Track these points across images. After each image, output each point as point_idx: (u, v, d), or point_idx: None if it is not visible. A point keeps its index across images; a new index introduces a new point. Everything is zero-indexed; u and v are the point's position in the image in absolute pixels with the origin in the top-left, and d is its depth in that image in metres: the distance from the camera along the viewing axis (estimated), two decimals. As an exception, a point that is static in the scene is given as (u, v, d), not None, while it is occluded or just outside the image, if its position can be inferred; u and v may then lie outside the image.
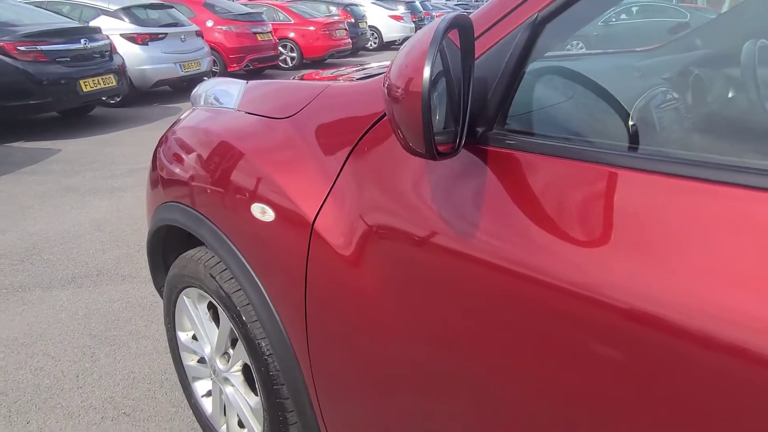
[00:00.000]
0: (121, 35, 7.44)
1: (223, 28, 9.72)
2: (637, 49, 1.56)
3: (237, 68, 9.83)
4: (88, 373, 2.15)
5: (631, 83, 1.29)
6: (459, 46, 0.81)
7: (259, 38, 10.28)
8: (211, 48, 9.10)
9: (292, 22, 12.03)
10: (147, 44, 7.62)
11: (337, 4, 14.40)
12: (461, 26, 0.79)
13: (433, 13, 22.76)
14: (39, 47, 5.56)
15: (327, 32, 12.06)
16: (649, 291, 0.66)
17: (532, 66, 0.87)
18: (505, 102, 0.87)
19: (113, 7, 7.64)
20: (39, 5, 7.57)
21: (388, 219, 0.97)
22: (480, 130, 0.87)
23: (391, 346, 1.00)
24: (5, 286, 2.81)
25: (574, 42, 1.44)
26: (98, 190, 4.31)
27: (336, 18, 13.26)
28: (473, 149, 0.88)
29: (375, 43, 16.34)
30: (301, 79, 1.59)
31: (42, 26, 5.84)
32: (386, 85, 0.79)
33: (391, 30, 16.73)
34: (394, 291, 0.97)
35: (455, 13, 0.77)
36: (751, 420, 0.59)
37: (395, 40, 16.48)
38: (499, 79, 0.86)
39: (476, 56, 0.86)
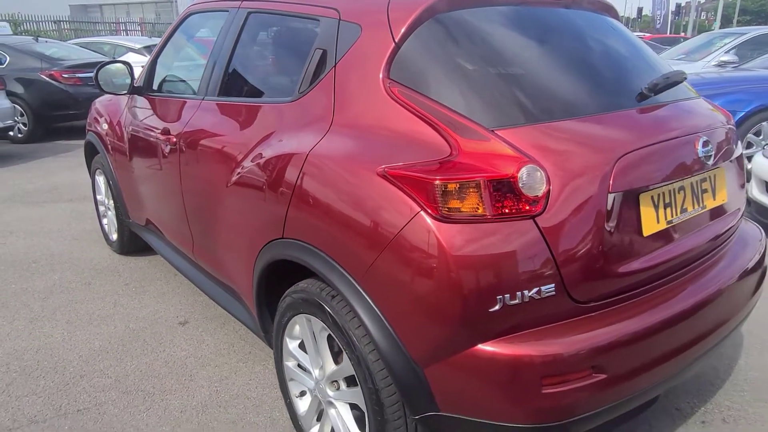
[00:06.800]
0: (142, 66, 10.00)
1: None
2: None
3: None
4: (66, 228, 4.42)
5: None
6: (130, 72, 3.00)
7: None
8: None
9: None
10: (161, 73, 10.19)
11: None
12: (128, 65, 2.99)
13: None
14: (77, 75, 8.10)
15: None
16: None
17: (163, 77, 3.05)
18: (151, 88, 3.04)
19: (137, 46, 10.28)
20: (85, 45, 10.30)
21: (134, 125, 3.15)
22: (137, 88, 3.04)
23: (133, 172, 3.16)
24: (34, 202, 5.15)
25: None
26: (102, 165, 6.70)
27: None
28: (144, 96, 3.04)
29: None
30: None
31: (80, 60, 8.43)
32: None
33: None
34: (128, 153, 3.15)
35: (121, 60, 2.98)
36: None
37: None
38: (146, 81, 3.04)
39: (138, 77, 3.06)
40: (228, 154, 2.12)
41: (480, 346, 1.38)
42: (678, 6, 41.11)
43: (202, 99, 2.42)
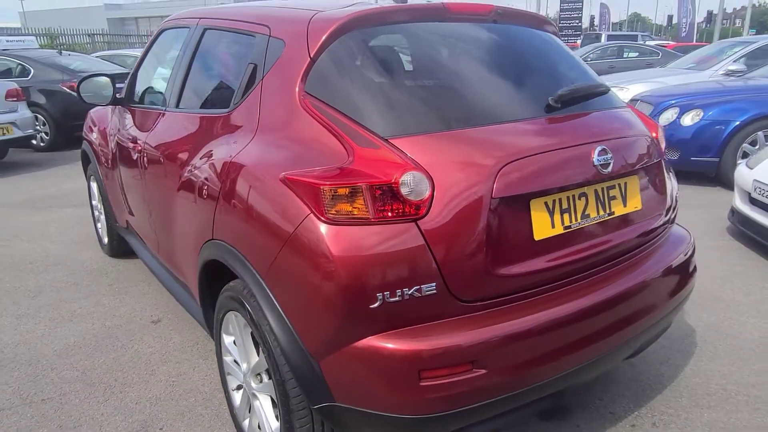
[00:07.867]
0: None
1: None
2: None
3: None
4: (68, 232, 4.65)
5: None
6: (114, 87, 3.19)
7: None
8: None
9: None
10: (179, 84, 10.55)
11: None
12: (111, 78, 3.18)
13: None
14: (96, 86, 8.46)
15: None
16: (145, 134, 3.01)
17: (140, 89, 3.24)
18: (131, 99, 3.23)
19: (157, 59, 10.64)
20: (109, 58, 10.72)
21: (117, 134, 3.34)
22: (120, 99, 3.24)
23: (115, 178, 3.36)
24: (45, 207, 5.43)
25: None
26: (114, 173, 6.99)
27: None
28: (125, 107, 3.24)
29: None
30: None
31: (101, 72, 8.78)
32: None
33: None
34: (110, 160, 3.35)
35: (91, 75, 3.17)
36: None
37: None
38: (126, 92, 3.23)
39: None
40: (177, 161, 2.27)
41: (365, 340, 1.48)
42: (709, 13, 40.32)
43: (164, 110, 2.58)
